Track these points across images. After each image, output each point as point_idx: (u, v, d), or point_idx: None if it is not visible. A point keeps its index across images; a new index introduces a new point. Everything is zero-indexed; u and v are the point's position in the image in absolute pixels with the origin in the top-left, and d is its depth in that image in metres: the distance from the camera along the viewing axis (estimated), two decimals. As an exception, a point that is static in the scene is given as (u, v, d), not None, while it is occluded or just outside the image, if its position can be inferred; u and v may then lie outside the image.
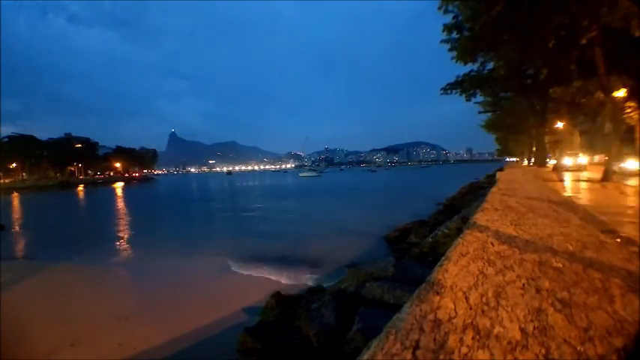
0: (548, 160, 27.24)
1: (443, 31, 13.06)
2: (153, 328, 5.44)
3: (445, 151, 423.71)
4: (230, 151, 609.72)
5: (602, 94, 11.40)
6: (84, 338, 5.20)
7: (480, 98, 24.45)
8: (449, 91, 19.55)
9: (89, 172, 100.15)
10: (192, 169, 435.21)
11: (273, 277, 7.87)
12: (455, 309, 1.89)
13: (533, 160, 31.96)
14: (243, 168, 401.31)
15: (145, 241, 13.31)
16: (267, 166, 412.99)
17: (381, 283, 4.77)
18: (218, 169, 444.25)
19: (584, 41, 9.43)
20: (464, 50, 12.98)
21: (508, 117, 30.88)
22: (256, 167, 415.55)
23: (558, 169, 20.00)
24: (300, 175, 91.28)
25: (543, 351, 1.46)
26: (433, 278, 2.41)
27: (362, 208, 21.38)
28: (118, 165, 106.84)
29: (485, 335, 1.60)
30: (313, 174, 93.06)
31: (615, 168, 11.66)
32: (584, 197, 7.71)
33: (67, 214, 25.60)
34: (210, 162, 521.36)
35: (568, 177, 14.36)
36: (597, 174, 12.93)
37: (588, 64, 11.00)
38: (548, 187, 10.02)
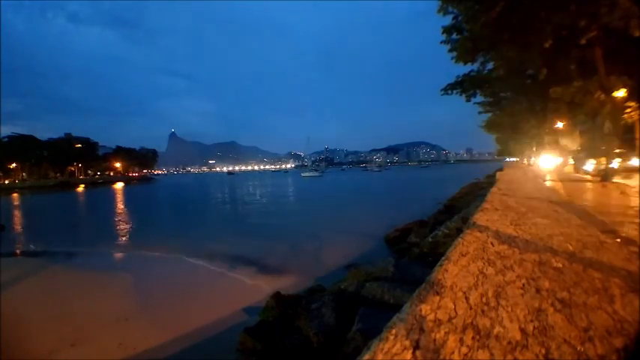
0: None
1: (442, 33, 13.04)
2: (153, 328, 5.44)
3: (445, 151, 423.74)
4: (230, 151, 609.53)
5: (602, 94, 11.40)
6: (84, 338, 5.20)
7: (479, 98, 24.39)
8: (449, 92, 19.52)
9: (89, 172, 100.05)
10: (192, 169, 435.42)
11: (273, 277, 7.87)
12: (455, 309, 1.89)
13: (533, 159, 32.14)
14: (244, 168, 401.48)
15: (146, 241, 13.30)
16: (267, 166, 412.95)
17: (381, 283, 4.77)
18: (218, 169, 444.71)
19: (583, 41, 9.42)
20: (463, 50, 12.96)
21: (508, 117, 30.86)
22: (256, 167, 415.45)
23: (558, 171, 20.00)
24: (302, 175, 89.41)
25: (543, 351, 1.47)
26: (433, 278, 2.41)
27: (362, 208, 21.37)
28: (118, 165, 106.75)
29: (485, 335, 1.60)
30: (315, 174, 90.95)
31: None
32: (583, 198, 7.71)
33: (67, 215, 25.59)
34: (210, 162, 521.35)
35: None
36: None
37: (588, 64, 10.99)
38: (548, 187, 10.03)
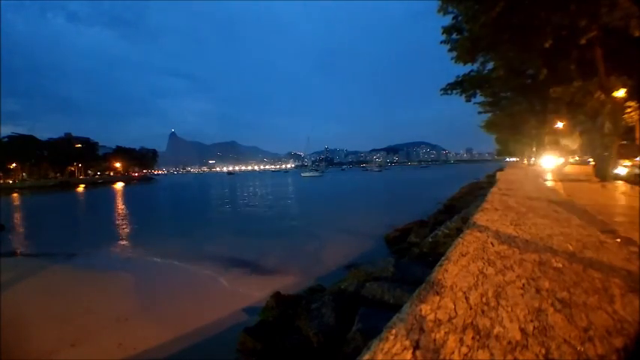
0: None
1: (442, 33, 13.05)
2: (153, 328, 5.44)
3: (445, 151, 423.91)
4: (230, 151, 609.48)
5: (602, 94, 11.40)
6: (84, 338, 5.20)
7: (479, 98, 24.38)
8: (449, 92, 19.52)
9: (89, 172, 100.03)
10: (192, 169, 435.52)
11: (273, 277, 7.87)
12: (455, 309, 1.89)
13: (533, 159, 32.18)
14: (244, 168, 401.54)
15: (145, 242, 13.30)
16: (267, 166, 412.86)
17: (381, 283, 4.77)
18: (218, 169, 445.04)
19: (583, 41, 9.43)
20: (463, 50, 12.96)
21: (508, 117, 30.90)
22: (256, 167, 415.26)
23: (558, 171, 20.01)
24: (303, 175, 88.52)
25: (543, 351, 1.47)
26: (433, 278, 2.41)
27: (362, 208, 21.37)
28: (118, 165, 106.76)
29: (485, 335, 1.60)
30: (316, 174, 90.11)
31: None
32: (583, 197, 7.70)
33: (68, 215, 25.60)
34: (210, 162, 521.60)
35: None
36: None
37: (588, 64, 10.99)
38: (548, 187, 10.03)
